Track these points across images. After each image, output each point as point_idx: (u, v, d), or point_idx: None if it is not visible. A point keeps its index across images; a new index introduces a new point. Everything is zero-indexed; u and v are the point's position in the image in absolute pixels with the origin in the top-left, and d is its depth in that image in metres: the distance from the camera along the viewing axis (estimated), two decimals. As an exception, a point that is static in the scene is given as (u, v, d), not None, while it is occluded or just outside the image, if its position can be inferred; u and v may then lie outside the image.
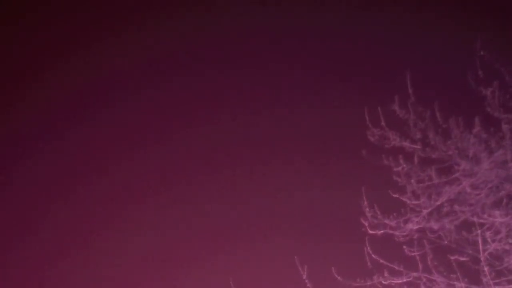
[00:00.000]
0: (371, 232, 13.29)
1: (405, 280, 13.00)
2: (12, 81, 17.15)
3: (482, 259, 12.10)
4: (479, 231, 12.27)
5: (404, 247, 13.04)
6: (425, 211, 12.58)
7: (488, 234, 12.28)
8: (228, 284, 14.28)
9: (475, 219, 12.39)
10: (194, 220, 16.49)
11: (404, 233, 13.03)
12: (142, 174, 16.89)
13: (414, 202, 12.70)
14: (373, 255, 13.19)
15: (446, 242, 12.83)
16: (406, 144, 12.68)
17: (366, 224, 13.32)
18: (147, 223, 16.65)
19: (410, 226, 12.86)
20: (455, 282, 12.70)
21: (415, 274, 12.97)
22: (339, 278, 13.38)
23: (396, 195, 12.94)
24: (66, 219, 16.89)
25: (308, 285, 13.40)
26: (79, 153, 17.06)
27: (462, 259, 12.67)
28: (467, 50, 12.58)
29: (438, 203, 12.46)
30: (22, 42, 17.32)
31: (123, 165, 16.82)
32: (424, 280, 12.87)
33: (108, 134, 16.88)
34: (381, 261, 13.12)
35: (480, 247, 12.16)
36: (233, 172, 16.45)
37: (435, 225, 12.68)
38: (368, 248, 13.22)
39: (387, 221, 12.86)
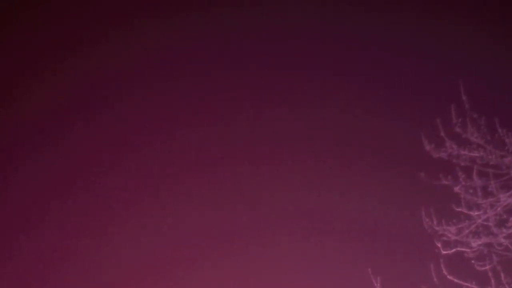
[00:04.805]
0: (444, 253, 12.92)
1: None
2: (12, 81, 17.27)
3: None
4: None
5: (473, 261, 12.58)
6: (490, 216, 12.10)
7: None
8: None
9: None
10: (199, 221, 16.38)
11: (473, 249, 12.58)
12: (145, 175, 16.81)
13: (476, 213, 12.25)
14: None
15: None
16: (464, 152, 12.29)
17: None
18: (149, 224, 16.57)
19: (478, 242, 12.40)
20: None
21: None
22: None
23: (459, 209, 12.54)
24: (66, 219, 16.86)
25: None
26: (79, 154, 17.04)
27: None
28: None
29: (498, 209, 11.96)
30: (22, 42, 17.42)
31: (126, 165, 16.81)
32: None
33: (109, 135, 16.90)
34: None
35: None
36: (246, 173, 16.31)
37: (502, 237, 12.17)
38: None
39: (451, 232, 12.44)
